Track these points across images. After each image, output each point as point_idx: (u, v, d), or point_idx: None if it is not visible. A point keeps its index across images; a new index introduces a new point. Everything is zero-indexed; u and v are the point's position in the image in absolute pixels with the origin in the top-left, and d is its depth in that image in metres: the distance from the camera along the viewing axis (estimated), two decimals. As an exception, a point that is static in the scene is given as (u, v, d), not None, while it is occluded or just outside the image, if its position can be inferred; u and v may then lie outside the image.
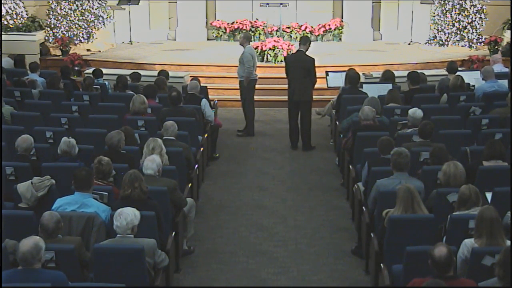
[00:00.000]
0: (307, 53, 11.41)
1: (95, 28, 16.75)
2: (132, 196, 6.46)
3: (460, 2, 16.25)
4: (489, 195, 6.76)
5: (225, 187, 9.91)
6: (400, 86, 11.34)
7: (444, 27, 16.46)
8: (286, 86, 11.80)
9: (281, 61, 14.87)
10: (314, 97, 11.75)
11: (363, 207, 7.54)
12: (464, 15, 16.24)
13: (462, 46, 16.34)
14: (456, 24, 16.29)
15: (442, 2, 16.43)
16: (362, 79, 11.82)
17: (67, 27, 16.25)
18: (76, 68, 15.17)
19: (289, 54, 13.88)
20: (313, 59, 11.40)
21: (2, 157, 7.74)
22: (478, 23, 16.27)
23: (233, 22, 18.15)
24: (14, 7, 15.80)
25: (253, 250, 7.88)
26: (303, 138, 11.52)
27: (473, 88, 11.05)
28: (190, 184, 8.47)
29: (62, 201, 6.54)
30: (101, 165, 6.99)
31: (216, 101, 12.25)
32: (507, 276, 4.88)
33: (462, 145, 8.22)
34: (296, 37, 17.64)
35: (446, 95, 10.50)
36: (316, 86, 12.48)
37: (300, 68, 11.31)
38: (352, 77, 11.09)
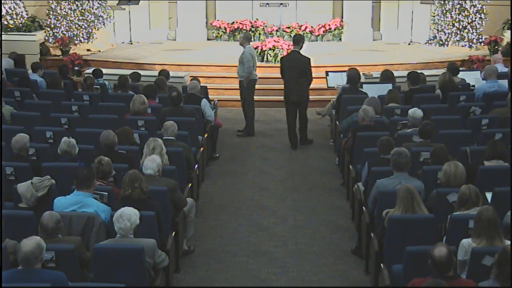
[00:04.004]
0: (302, 52, 11.41)
1: (95, 28, 16.75)
2: (132, 196, 6.46)
3: (460, 2, 16.24)
4: (489, 195, 6.76)
5: (225, 187, 9.91)
6: (400, 86, 11.34)
7: (444, 27, 16.45)
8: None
9: (281, 61, 14.94)
10: (314, 97, 11.77)
11: (363, 207, 7.53)
12: (464, 15, 16.23)
13: (462, 46, 16.33)
14: (456, 24, 16.28)
15: (442, 2, 16.43)
16: (362, 79, 11.82)
17: (67, 27, 16.25)
18: (76, 68, 15.17)
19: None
20: (309, 58, 11.40)
21: (2, 157, 7.73)
22: (478, 23, 16.26)
23: (233, 22, 18.14)
24: (14, 7, 15.80)
25: (253, 250, 7.88)
26: (300, 132, 11.58)
27: (473, 88, 11.05)
28: (190, 184, 8.47)
29: (62, 201, 6.54)
30: (101, 165, 7.00)
31: (216, 101, 12.25)
32: (503, 275, 4.89)
33: (462, 145, 8.21)
34: (297, 37, 17.65)
35: (439, 90, 10.55)
36: (316, 86, 12.54)
37: (295, 68, 11.31)
38: (352, 77, 11.08)
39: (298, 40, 11.48)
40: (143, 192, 6.53)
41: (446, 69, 11.92)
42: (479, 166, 7.28)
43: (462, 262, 5.63)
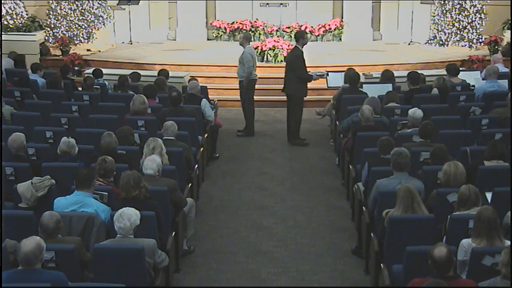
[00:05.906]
0: (305, 50, 11.74)
1: (95, 28, 16.75)
2: (138, 196, 6.46)
3: (460, 2, 16.24)
4: (489, 195, 6.76)
5: (225, 187, 9.91)
6: (400, 86, 11.34)
7: (444, 27, 16.46)
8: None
9: (281, 61, 14.94)
10: (314, 97, 11.80)
11: (363, 207, 7.54)
12: (464, 15, 16.24)
13: (462, 46, 16.33)
14: (456, 24, 16.28)
15: (442, 2, 16.43)
16: (362, 79, 11.82)
17: (67, 27, 16.26)
18: (76, 68, 15.17)
19: None
20: (298, 54, 11.56)
21: (2, 157, 7.73)
22: (478, 23, 16.26)
23: (233, 22, 18.15)
24: (14, 7, 15.81)
25: (253, 250, 7.88)
26: (288, 130, 11.80)
27: (473, 88, 11.04)
28: (190, 184, 8.47)
29: (62, 201, 6.54)
30: (104, 162, 6.98)
31: (216, 101, 12.25)
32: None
33: (462, 145, 8.22)
34: (297, 37, 17.68)
35: (436, 89, 10.55)
36: (316, 86, 12.53)
37: (288, 62, 11.89)
38: (351, 77, 11.09)
39: (296, 37, 11.93)
40: (147, 191, 6.54)
41: (445, 69, 11.93)
42: (479, 166, 7.28)
43: (462, 262, 5.63)
